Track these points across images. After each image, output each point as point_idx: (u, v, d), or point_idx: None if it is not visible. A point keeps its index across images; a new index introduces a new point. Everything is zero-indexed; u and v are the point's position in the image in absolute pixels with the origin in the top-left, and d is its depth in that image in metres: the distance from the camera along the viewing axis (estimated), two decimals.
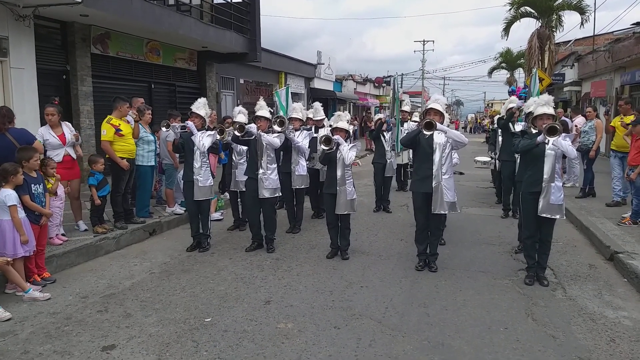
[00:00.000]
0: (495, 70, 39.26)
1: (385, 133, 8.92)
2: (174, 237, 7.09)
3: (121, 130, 6.72)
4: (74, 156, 6.50)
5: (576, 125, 10.86)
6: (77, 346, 3.76)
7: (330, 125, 10.20)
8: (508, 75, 37.65)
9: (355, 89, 34.11)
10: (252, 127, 6.28)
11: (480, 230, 7.55)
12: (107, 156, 6.75)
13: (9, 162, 4.91)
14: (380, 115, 10.36)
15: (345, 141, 5.94)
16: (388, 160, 8.91)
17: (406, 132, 8.24)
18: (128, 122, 6.97)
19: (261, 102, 6.50)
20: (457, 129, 60.35)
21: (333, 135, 5.90)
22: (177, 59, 13.97)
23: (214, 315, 4.33)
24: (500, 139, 8.66)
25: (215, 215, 8.04)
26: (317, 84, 26.40)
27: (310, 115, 8.62)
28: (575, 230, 7.54)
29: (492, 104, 62.71)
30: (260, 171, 6.18)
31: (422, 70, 54.56)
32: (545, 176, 4.98)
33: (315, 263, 5.87)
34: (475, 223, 8.07)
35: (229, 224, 7.74)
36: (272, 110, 7.01)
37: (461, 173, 13.21)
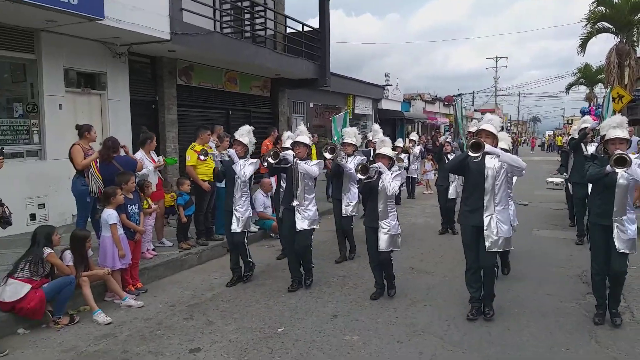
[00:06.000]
0: (574, 86, 37.69)
1: (449, 155, 8.68)
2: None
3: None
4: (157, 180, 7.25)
5: None
6: (168, 348, 4.29)
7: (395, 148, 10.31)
8: (587, 92, 36.00)
9: (424, 108, 34.05)
10: (289, 154, 5.94)
11: (550, 253, 7.47)
12: (191, 179, 7.44)
13: (109, 186, 5.65)
14: (443, 137, 10.13)
15: (389, 169, 5.36)
16: (452, 183, 8.73)
17: None
18: (210, 147, 7.65)
19: (301, 127, 6.16)
20: (533, 147, 58.07)
21: (376, 162, 5.42)
22: (252, 86, 14.84)
23: (285, 326, 4.74)
24: (572, 160, 8.50)
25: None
26: (384, 104, 26.69)
27: (370, 137, 8.69)
28: None
29: (571, 120, 59.95)
30: (295, 202, 5.77)
31: (494, 87, 53.51)
32: (615, 208, 4.54)
33: None
34: (546, 246, 7.97)
35: None
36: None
37: (525, 204, 11.97)
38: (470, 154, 4.48)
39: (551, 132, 61.66)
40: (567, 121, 63.31)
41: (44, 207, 8.48)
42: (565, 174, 9.04)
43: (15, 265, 4.73)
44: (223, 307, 5.28)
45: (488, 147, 4.47)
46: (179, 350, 4.24)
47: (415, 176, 14.42)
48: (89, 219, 6.73)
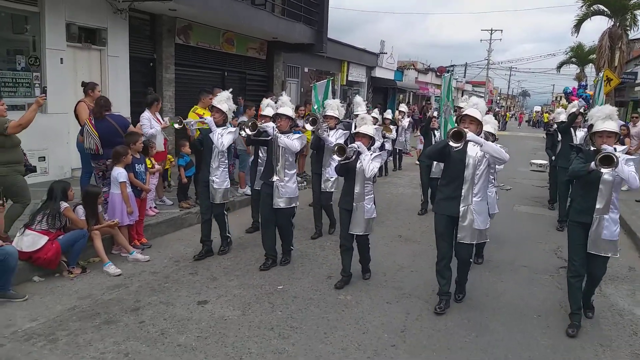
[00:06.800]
0: (565, 65, 38.05)
1: (436, 131, 8.47)
2: (245, 215, 7.88)
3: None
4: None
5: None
6: (178, 299, 4.68)
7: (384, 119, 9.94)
8: (578, 71, 36.40)
9: (416, 77, 34.18)
10: (270, 126, 5.67)
11: (529, 228, 7.96)
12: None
13: (120, 145, 5.88)
14: (431, 112, 9.90)
15: (369, 149, 5.01)
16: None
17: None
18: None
19: (284, 98, 5.81)
20: (521, 122, 58.65)
21: (355, 141, 5.08)
22: (248, 48, 14.87)
23: (284, 284, 5.16)
24: (559, 145, 8.41)
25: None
26: (378, 72, 26.78)
27: (359, 111, 8.30)
28: (624, 234, 7.75)
29: (560, 97, 60.57)
30: (275, 178, 5.46)
31: (487, 60, 53.49)
32: (598, 206, 4.17)
33: (371, 249, 6.35)
34: (526, 221, 8.48)
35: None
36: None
37: (508, 189, 11.46)
38: (450, 143, 4.15)
39: (539, 108, 62.17)
40: (556, 98, 63.91)
41: (45, 160, 8.67)
42: (552, 157, 9.04)
43: (32, 218, 5.01)
44: (225, 265, 5.66)
45: (470, 135, 4.18)
46: (188, 302, 4.62)
47: (402, 148, 14.66)
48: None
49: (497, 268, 5.97)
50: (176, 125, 6.01)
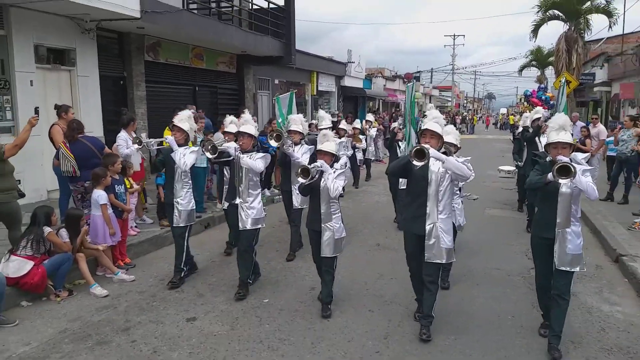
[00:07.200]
0: (526, 68, 39.38)
1: (400, 142, 8.33)
2: (225, 230, 7.94)
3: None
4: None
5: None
6: (167, 317, 4.78)
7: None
8: (538, 74, 37.75)
9: (384, 85, 34.77)
10: (232, 146, 5.44)
11: (500, 231, 8.30)
12: None
13: (99, 167, 5.94)
14: (395, 124, 10.14)
15: (331, 166, 4.84)
16: None
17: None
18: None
19: (246, 116, 5.61)
20: (488, 125, 60.00)
21: (317, 159, 4.89)
22: (218, 62, 14.97)
23: (270, 297, 5.31)
24: (525, 151, 8.61)
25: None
26: (347, 82, 27.15)
27: (325, 124, 8.34)
28: (589, 233, 8.17)
29: (523, 99, 62.39)
30: (238, 200, 5.33)
31: (452, 64, 54.87)
32: (558, 219, 4.10)
33: (351, 258, 6.67)
34: (497, 224, 8.82)
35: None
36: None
37: (475, 198, 11.09)
38: (414, 162, 4.03)
39: (505, 111, 63.79)
40: (520, 100, 65.83)
41: (20, 183, 8.52)
42: (519, 162, 9.24)
43: (17, 243, 5.03)
44: (210, 281, 5.78)
45: (433, 152, 4.04)
46: (177, 320, 4.73)
47: (371, 157, 14.80)
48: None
49: (470, 272, 6.24)
50: (135, 146, 5.88)
